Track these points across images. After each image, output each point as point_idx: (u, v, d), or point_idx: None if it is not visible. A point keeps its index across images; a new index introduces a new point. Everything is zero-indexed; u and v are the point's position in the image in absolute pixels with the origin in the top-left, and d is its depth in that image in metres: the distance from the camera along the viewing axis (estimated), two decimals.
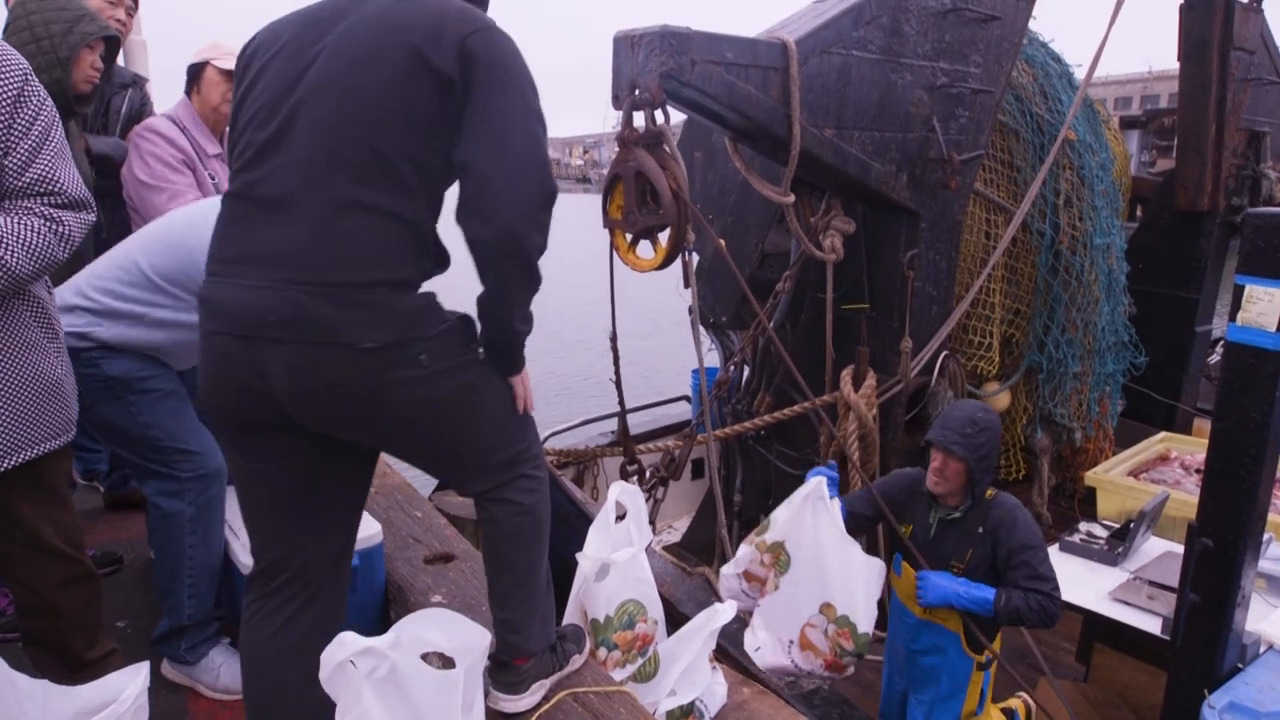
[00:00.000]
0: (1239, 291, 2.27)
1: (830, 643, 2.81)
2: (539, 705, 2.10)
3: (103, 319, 2.25)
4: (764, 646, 2.89)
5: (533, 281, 1.73)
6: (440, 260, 1.73)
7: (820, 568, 2.81)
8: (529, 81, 1.66)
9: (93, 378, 2.22)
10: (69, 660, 2.07)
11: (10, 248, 1.71)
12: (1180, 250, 5.34)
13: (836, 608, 2.80)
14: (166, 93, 3.51)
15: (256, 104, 1.67)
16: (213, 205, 2.16)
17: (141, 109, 3.44)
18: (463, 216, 1.63)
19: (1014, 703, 3.21)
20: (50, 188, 1.78)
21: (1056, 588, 2.63)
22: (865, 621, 2.78)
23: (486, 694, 2.15)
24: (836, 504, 2.87)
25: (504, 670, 2.09)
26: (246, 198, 1.66)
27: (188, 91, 3.09)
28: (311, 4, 1.73)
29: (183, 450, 2.32)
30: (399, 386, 1.64)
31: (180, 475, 2.32)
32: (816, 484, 2.85)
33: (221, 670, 2.43)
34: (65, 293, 2.23)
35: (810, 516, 2.84)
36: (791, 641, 2.85)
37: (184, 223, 2.30)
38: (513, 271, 1.68)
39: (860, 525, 3.07)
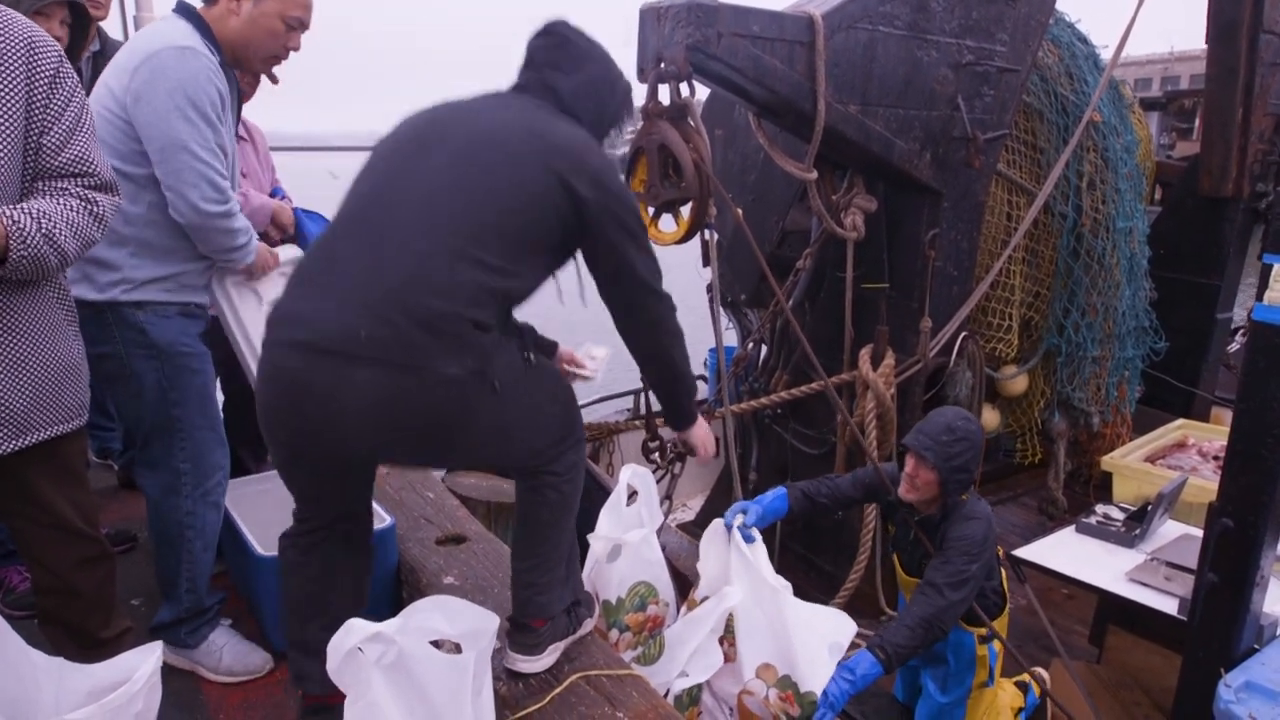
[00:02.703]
0: (1266, 270, 2.25)
1: (774, 710, 2.45)
2: (552, 688, 2.13)
3: (120, 248, 2.16)
4: (705, 712, 2.59)
5: (677, 336, 2.08)
6: (511, 329, 1.93)
7: (751, 623, 2.50)
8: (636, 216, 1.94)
9: (136, 343, 2.19)
10: (85, 639, 2.08)
11: (60, 229, 1.72)
12: (1203, 236, 5.29)
13: (777, 669, 2.46)
14: None
15: (399, 136, 1.88)
16: (106, 72, 2.16)
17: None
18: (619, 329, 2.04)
19: (1028, 676, 3.23)
20: (86, 168, 1.79)
21: (955, 590, 2.55)
22: (812, 680, 2.42)
23: (503, 656, 2.19)
24: (759, 549, 2.61)
25: (522, 632, 2.15)
26: (361, 219, 1.80)
27: None
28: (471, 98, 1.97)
29: (193, 439, 2.30)
30: (476, 414, 1.78)
31: (180, 467, 2.30)
32: (745, 522, 2.62)
33: (224, 652, 2.42)
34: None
35: (733, 562, 2.56)
36: (731, 709, 2.54)
37: (94, 100, 2.14)
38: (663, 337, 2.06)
39: (848, 507, 3.05)
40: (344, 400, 1.68)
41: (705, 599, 2.64)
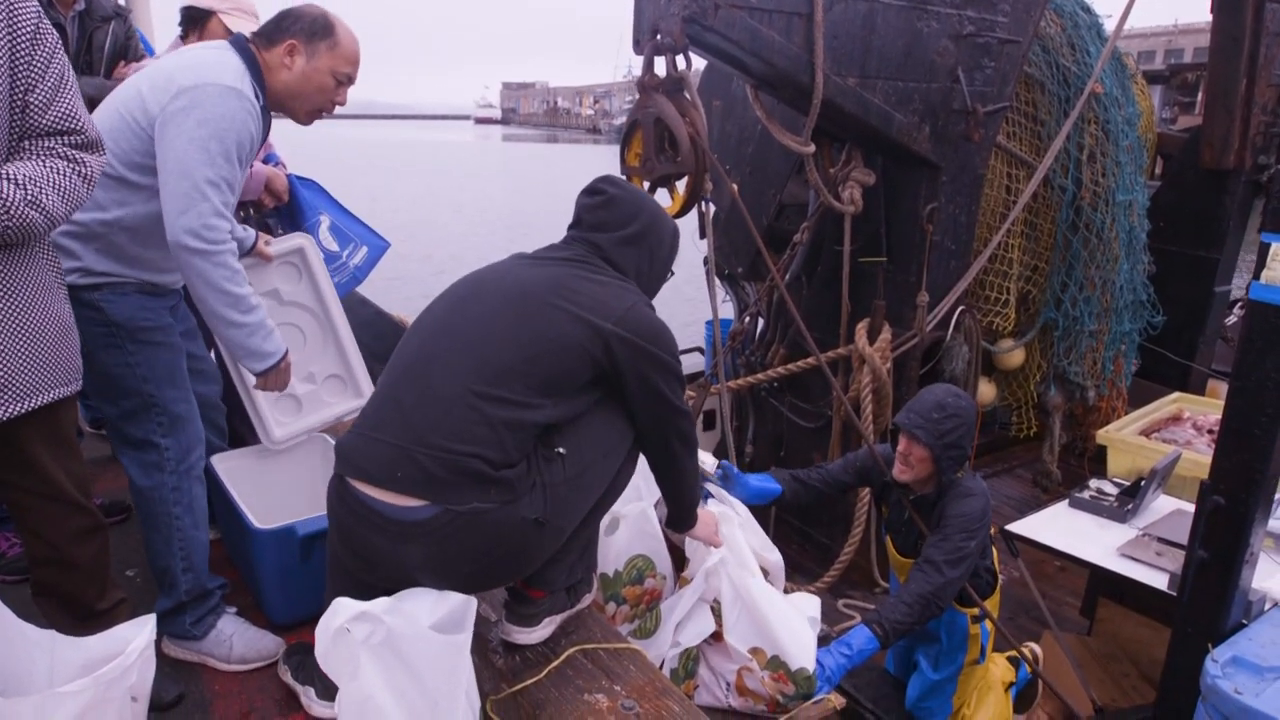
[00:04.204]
0: (1264, 249, 2.23)
1: (770, 690, 2.53)
2: (550, 661, 2.15)
3: (86, 243, 2.15)
4: (701, 685, 2.65)
5: (690, 463, 2.23)
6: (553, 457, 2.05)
7: (736, 609, 2.54)
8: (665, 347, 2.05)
9: (94, 321, 2.15)
10: (80, 611, 2.08)
11: (47, 193, 1.69)
12: (1203, 209, 5.26)
13: (765, 651, 2.52)
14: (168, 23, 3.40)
15: (447, 297, 2.08)
16: (143, 75, 2.13)
17: (127, 43, 3.32)
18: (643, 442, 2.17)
19: (1018, 652, 3.26)
20: (72, 125, 1.75)
21: (953, 568, 2.57)
22: (799, 656, 2.48)
23: (499, 627, 2.21)
24: (749, 527, 2.66)
25: (520, 602, 2.18)
26: (405, 371, 1.98)
27: (184, 35, 3.00)
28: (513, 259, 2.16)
29: (169, 413, 2.27)
30: (524, 545, 1.98)
31: (160, 443, 2.27)
32: (722, 517, 2.60)
33: (234, 640, 2.40)
34: None
35: (713, 552, 2.57)
36: (729, 685, 2.62)
37: (120, 101, 2.16)
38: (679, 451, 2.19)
39: (841, 490, 3.06)
40: (406, 564, 1.87)
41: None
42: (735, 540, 2.56)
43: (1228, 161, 5.06)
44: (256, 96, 2.17)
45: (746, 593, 2.51)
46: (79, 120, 1.77)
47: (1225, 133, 5.04)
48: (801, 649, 2.49)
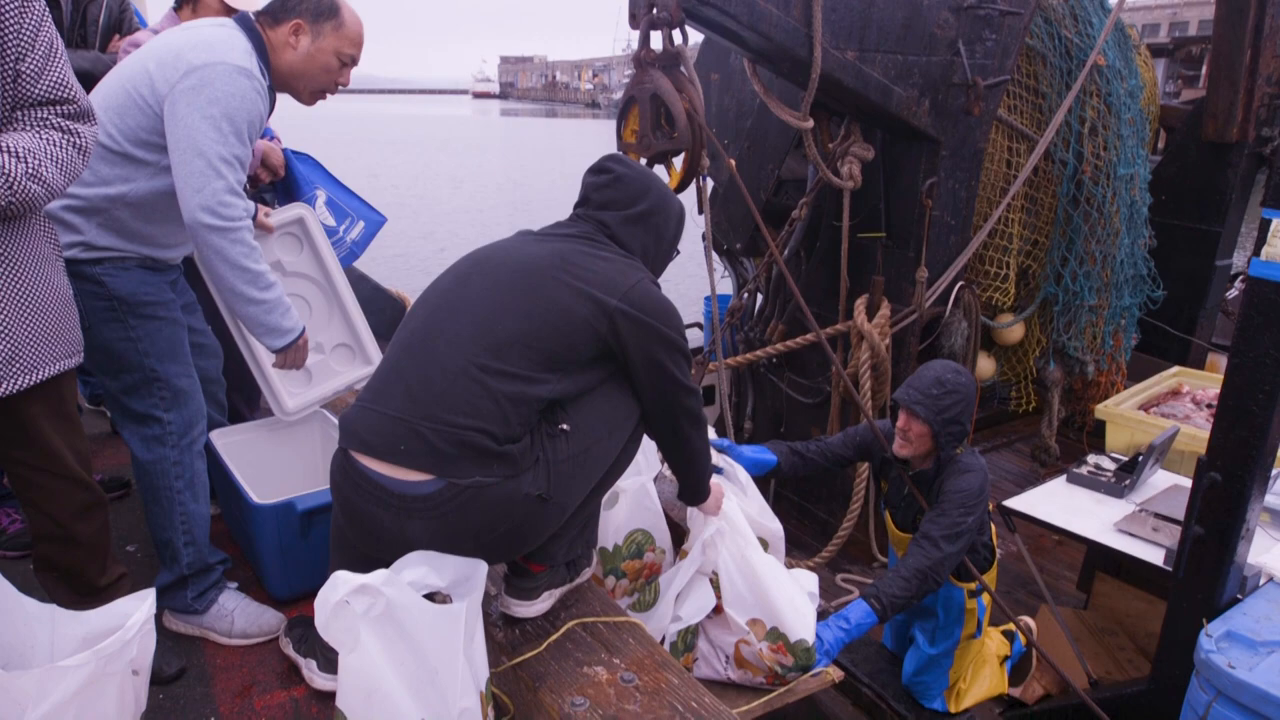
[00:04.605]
0: (1264, 225, 2.22)
1: (769, 661, 2.53)
2: (549, 634, 2.16)
3: (88, 217, 2.15)
4: (700, 658, 2.65)
5: (698, 438, 2.22)
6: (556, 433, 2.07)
7: (736, 581, 2.54)
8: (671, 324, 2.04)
9: (95, 296, 2.16)
10: (82, 586, 2.10)
11: (46, 165, 1.68)
12: (1205, 182, 5.23)
13: (764, 622, 2.52)
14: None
15: (451, 272, 2.08)
16: (149, 52, 2.12)
17: (121, 17, 3.30)
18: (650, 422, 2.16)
19: (1014, 626, 3.29)
20: (65, 94, 1.74)
21: (951, 543, 2.58)
22: (799, 628, 2.49)
23: (499, 601, 2.23)
24: (750, 497, 2.67)
25: (520, 575, 2.19)
26: (408, 346, 1.98)
27: (178, 8, 2.97)
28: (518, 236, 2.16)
29: (171, 387, 2.28)
30: (528, 520, 2.00)
31: (163, 417, 2.28)
32: (724, 489, 2.58)
33: (235, 615, 2.42)
34: None
35: (713, 523, 2.55)
36: (728, 657, 2.61)
37: (126, 77, 2.15)
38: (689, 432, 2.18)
39: (840, 464, 3.06)
40: (410, 538, 1.87)
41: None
42: (734, 512, 2.56)
43: (1231, 134, 5.02)
44: (263, 75, 2.18)
45: (746, 564, 2.51)
46: (71, 89, 1.76)
47: (1229, 105, 4.99)
48: (801, 621, 2.50)
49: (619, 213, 2.10)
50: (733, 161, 3.42)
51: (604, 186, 2.12)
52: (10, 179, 1.63)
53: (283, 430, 2.97)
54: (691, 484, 2.36)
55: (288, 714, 2.20)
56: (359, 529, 1.94)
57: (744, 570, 2.52)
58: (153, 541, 2.41)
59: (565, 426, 1.95)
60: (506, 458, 1.85)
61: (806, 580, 2.65)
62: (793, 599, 2.52)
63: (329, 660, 2.20)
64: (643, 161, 3.09)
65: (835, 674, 2.64)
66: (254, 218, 2.64)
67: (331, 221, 3.36)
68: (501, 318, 1.89)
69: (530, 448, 1.90)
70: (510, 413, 1.85)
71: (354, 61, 2.34)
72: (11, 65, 1.66)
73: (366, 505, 1.88)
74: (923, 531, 2.62)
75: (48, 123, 1.72)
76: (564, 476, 1.95)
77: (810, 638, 2.49)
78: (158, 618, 2.15)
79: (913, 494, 2.87)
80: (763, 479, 2.95)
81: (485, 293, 1.94)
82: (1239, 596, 2.51)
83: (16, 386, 1.78)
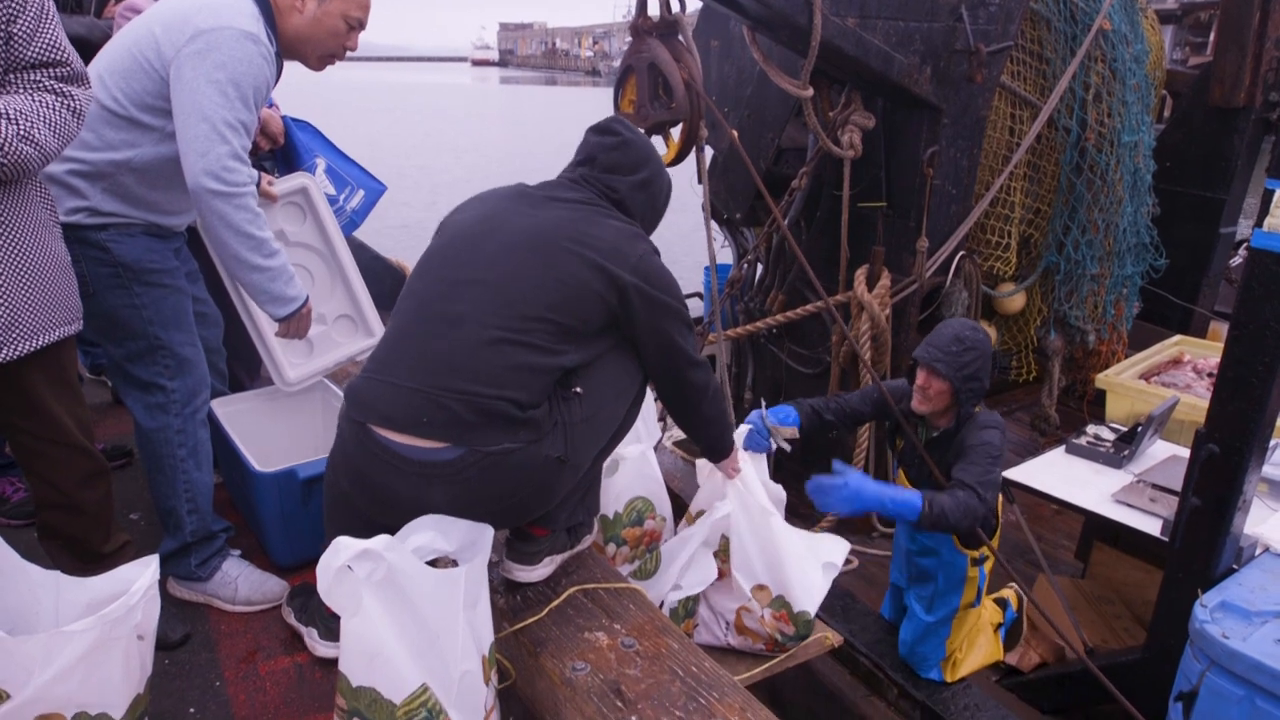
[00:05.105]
0: (1268, 196, 2.21)
1: (769, 629, 2.56)
2: (550, 600, 2.18)
3: (94, 182, 2.14)
4: (701, 624, 2.68)
5: (710, 404, 2.25)
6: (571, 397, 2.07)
7: (747, 546, 2.55)
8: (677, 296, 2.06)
9: (100, 261, 2.15)
10: (86, 553, 2.11)
11: (39, 128, 1.67)
12: (1211, 148, 5.17)
13: (771, 589, 2.53)
14: None
15: (458, 227, 2.05)
16: (155, 16, 2.11)
17: None
18: (661, 396, 2.24)
19: (1006, 593, 3.31)
20: (58, 57, 1.72)
21: (986, 491, 2.56)
22: (805, 600, 2.52)
23: (500, 566, 2.25)
24: (760, 466, 2.67)
25: (522, 540, 2.21)
26: (421, 314, 1.96)
27: None
28: (529, 186, 2.14)
29: (176, 355, 2.28)
30: (549, 484, 2.04)
31: (167, 385, 2.28)
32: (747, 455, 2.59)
33: (239, 582, 2.44)
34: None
35: (730, 488, 2.56)
36: (728, 624, 2.63)
37: (132, 41, 2.13)
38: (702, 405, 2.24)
39: (858, 422, 3.07)
40: (430, 504, 1.87)
41: (700, 513, 2.69)
42: (752, 477, 2.56)
43: (1238, 98, 4.95)
44: (270, 41, 2.16)
45: (763, 530, 2.51)
46: (64, 51, 1.74)
47: (1236, 68, 4.92)
48: (808, 593, 2.51)
49: (627, 178, 2.11)
50: (735, 133, 3.38)
51: (611, 149, 2.12)
52: (2, 141, 1.62)
53: (284, 399, 2.98)
54: (706, 446, 2.43)
55: (292, 679, 2.23)
56: (372, 498, 1.93)
57: (758, 536, 2.52)
58: (156, 510, 2.43)
59: (579, 390, 1.97)
60: (531, 423, 1.86)
61: (832, 549, 2.61)
62: (805, 572, 2.53)
63: (329, 629, 2.22)
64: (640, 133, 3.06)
65: (835, 638, 2.67)
66: (258, 186, 2.64)
67: (331, 190, 3.34)
68: (522, 291, 1.89)
69: (549, 413, 1.92)
70: (532, 382, 1.87)
71: (361, 25, 2.31)
72: (3, 28, 1.65)
73: (383, 476, 1.88)
74: (959, 480, 2.59)
75: (41, 85, 1.71)
76: (579, 438, 1.98)
77: (814, 610, 2.51)
78: (162, 584, 2.17)
79: (928, 451, 2.88)
80: None
81: (501, 263, 1.93)
82: (1235, 567, 2.52)
83: (16, 353, 1.79)
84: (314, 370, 2.96)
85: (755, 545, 2.53)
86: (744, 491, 2.53)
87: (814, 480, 2.56)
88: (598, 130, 2.16)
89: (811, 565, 2.55)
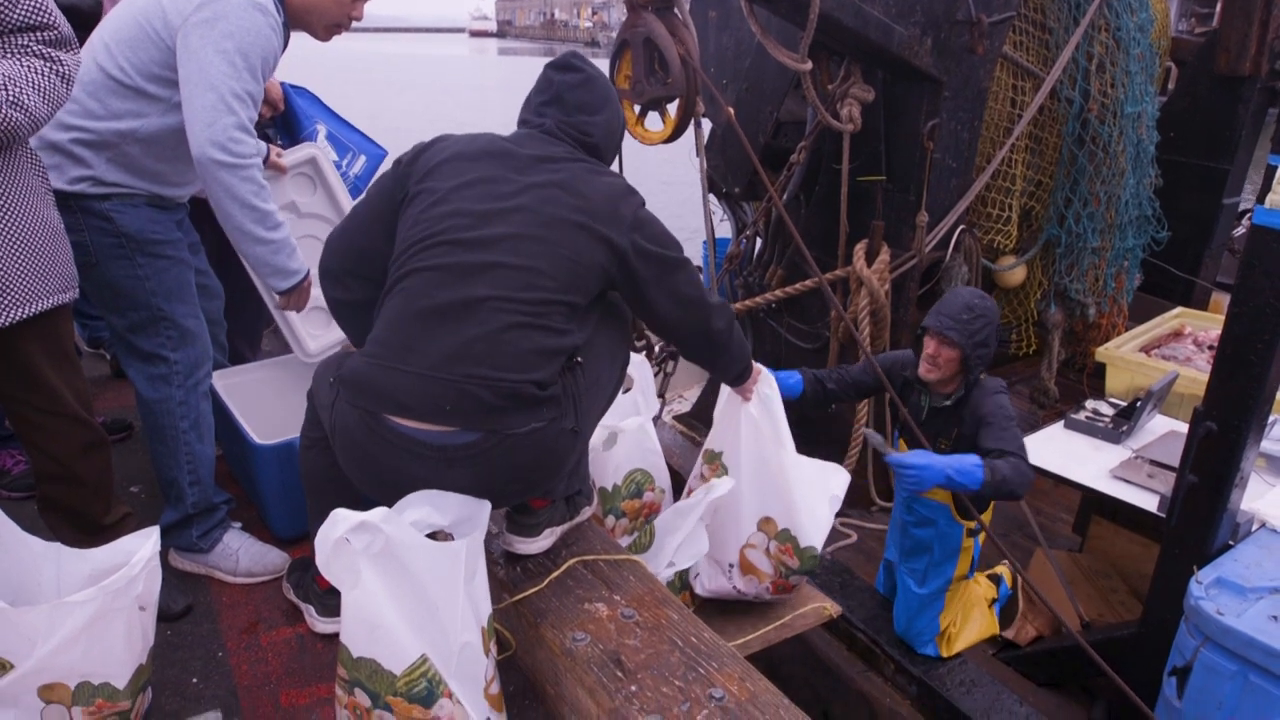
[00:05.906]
0: (1270, 172, 2.19)
1: (773, 562, 2.57)
2: (550, 572, 2.20)
3: (98, 151, 2.12)
4: (702, 573, 2.68)
5: (734, 341, 2.27)
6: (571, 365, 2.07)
7: (757, 477, 2.54)
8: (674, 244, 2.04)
9: (103, 232, 2.15)
10: (87, 525, 2.12)
11: (28, 93, 1.65)
12: (1215, 118, 5.12)
13: (777, 521, 2.55)
14: None
15: (460, 197, 1.92)
16: None
17: None
18: (680, 347, 2.27)
19: (999, 569, 3.33)
20: (44, 20, 1.70)
21: (1023, 447, 2.63)
22: (811, 534, 2.53)
23: (501, 539, 2.26)
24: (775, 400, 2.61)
25: (521, 513, 2.22)
26: (433, 298, 1.87)
27: None
28: (505, 139, 2.03)
29: (178, 327, 2.28)
30: (562, 456, 2.02)
31: (169, 356, 2.28)
32: (763, 379, 2.55)
33: (240, 554, 2.46)
34: (46, 131, 2.07)
35: (744, 416, 2.54)
36: (731, 565, 2.63)
37: (139, 9, 2.11)
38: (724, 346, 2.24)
39: (860, 394, 3.08)
40: (449, 486, 1.86)
41: (711, 449, 2.71)
42: (764, 410, 2.55)
43: (1243, 67, 4.90)
44: (278, 11, 2.15)
45: (772, 461, 2.52)
46: (50, 14, 1.72)
47: (1242, 36, 4.86)
48: (815, 527, 2.54)
49: (594, 118, 2.05)
50: (731, 110, 3.35)
51: (577, 87, 2.05)
52: None
53: (283, 372, 2.99)
54: (734, 377, 2.46)
55: (294, 650, 2.25)
56: (382, 482, 1.90)
57: (772, 467, 2.54)
58: (157, 481, 2.44)
59: (580, 359, 1.97)
60: (551, 400, 1.87)
61: (835, 480, 2.62)
62: (813, 507, 2.56)
63: (326, 606, 2.24)
64: (636, 109, 3.03)
65: (833, 608, 2.70)
66: (266, 158, 2.63)
67: (334, 156, 3.33)
68: (540, 274, 1.86)
69: (562, 389, 1.92)
70: (549, 362, 1.87)
71: None
72: None
73: (399, 460, 1.84)
74: (995, 449, 2.62)
75: (29, 50, 1.69)
76: (586, 407, 1.99)
77: (819, 546, 2.54)
78: (163, 556, 2.18)
79: (932, 419, 2.90)
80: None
81: (512, 244, 1.87)
82: (1231, 543, 2.53)
83: (9, 319, 1.78)
84: (334, 340, 2.98)
85: (768, 476, 2.54)
86: (758, 421, 2.53)
87: (895, 458, 2.59)
88: (559, 67, 2.07)
89: (819, 498, 2.57)
